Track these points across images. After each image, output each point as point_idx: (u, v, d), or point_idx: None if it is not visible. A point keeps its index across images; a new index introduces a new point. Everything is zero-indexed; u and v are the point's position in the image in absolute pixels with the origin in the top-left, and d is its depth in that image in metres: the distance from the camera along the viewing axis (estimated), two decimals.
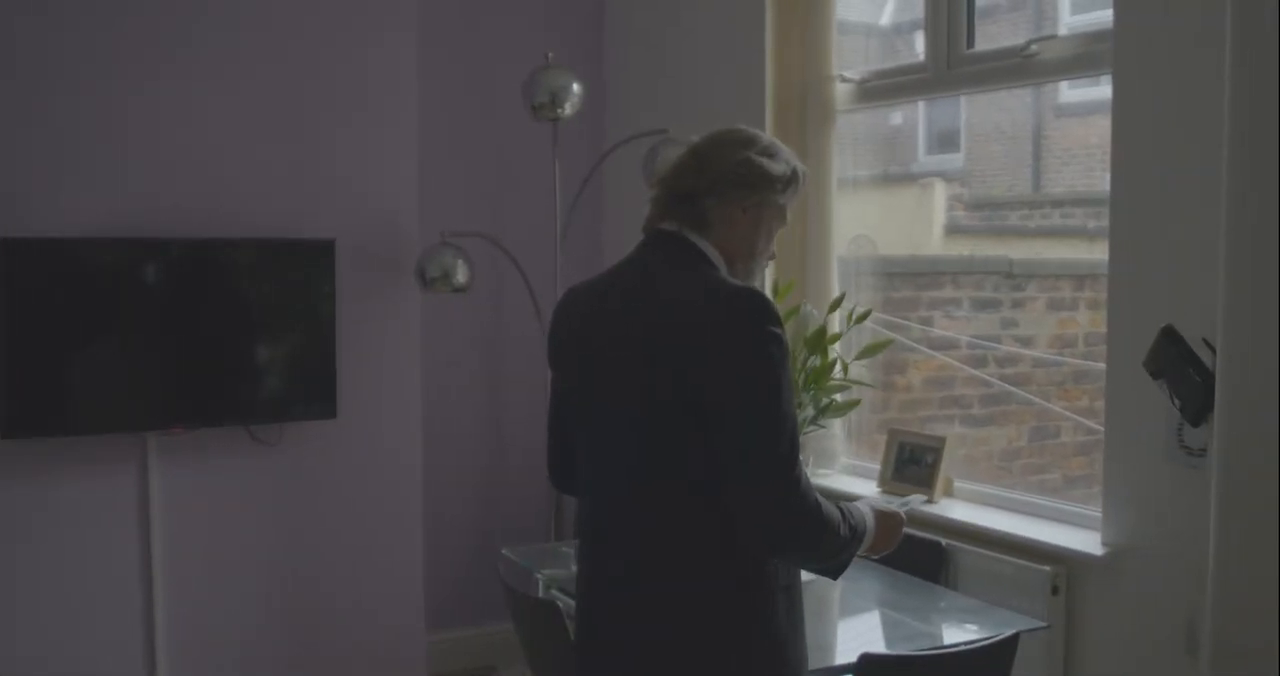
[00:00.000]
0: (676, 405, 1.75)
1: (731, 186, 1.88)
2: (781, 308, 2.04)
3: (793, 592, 1.86)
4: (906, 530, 3.18)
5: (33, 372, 3.18)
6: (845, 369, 3.16)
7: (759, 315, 1.74)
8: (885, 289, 3.74)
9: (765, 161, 1.90)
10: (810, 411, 3.02)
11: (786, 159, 1.94)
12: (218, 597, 3.54)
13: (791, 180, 1.93)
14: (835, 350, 3.27)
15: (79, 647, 3.36)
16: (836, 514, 1.79)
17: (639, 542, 1.85)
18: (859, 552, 1.88)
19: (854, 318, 3.21)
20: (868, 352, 3.30)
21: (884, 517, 1.96)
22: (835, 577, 1.90)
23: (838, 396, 3.16)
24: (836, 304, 3.14)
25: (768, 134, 1.99)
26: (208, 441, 3.48)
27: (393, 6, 3.72)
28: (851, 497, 3.47)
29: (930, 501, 3.30)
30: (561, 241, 3.99)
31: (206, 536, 3.51)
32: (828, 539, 1.78)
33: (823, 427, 3.35)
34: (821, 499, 1.77)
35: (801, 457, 1.76)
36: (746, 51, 3.83)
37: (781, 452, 1.71)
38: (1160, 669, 2.67)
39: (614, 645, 1.89)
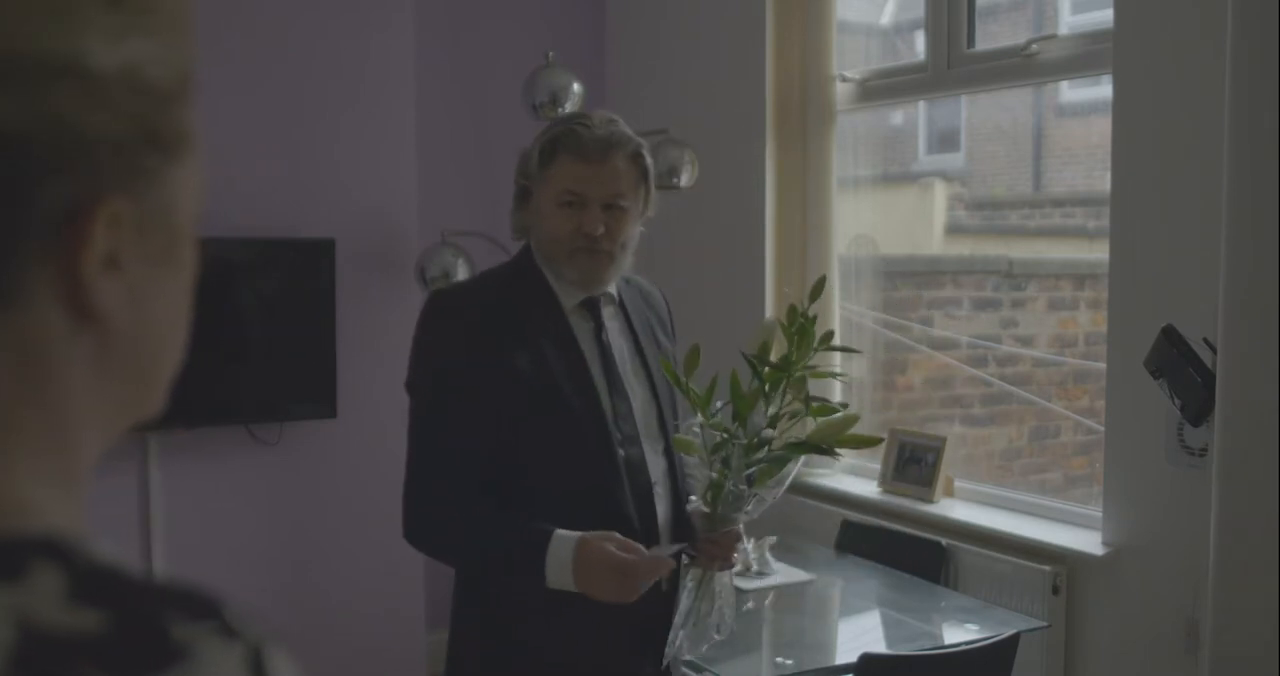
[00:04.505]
0: None
1: (518, 190, 1.96)
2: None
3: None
4: (907, 530, 3.21)
5: None
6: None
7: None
8: (885, 289, 3.74)
9: (521, 152, 1.95)
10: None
11: (541, 135, 1.91)
12: None
13: (544, 151, 1.88)
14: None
15: None
16: (445, 531, 1.86)
17: None
18: (555, 585, 1.77)
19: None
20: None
21: (584, 561, 1.75)
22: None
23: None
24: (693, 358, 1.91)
25: (593, 111, 1.95)
26: (208, 441, 3.48)
27: (390, 5, 3.72)
28: (852, 499, 3.48)
29: (922, 499, 3.30)
30: None
31: (206, 536, 3.51)
32: (424, 546, 1.91)
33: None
34: (435, 511, 1.84)
35: (437, 457, 1.85)
36: (746, 51, 3.83)
37: (408, 447, 1.89)
38: (1160, 669, 2.67)
39: None
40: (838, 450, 1.85)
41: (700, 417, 1.83)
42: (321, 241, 3.53)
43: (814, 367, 1.84)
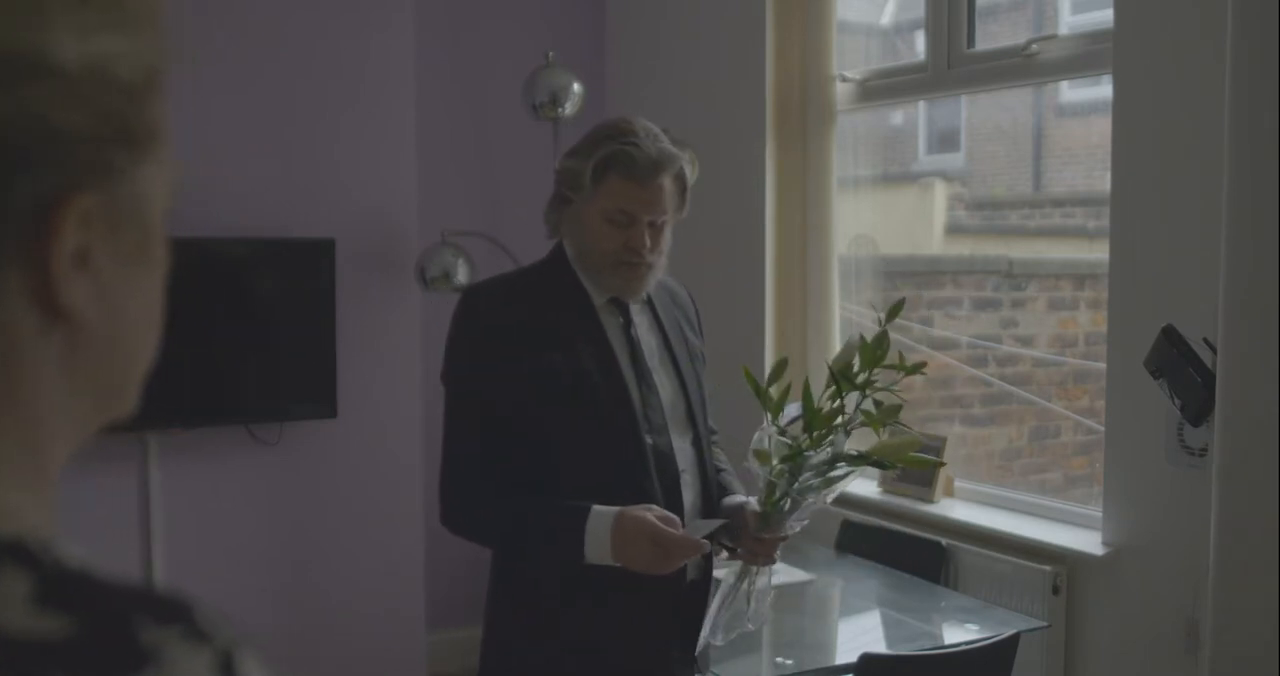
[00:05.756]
0: None
1: (557, 195, 2.00)
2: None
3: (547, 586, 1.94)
4: (907, 530, 3.21)
5: None
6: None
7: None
8: (885, 289, 3.74)
9: (565, 162, 1.96)
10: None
11: (589, 149, 1.92)
12: (217, 597, 3.50)
13: (595, 171, 1.90)
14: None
15: None
16: (482, 513, 1.93)
17: None
18: (593, 559, 1.82)
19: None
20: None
21: (623, 529, 1.80)
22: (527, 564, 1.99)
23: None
24: (780, 369, 2.01)
25: (634, 121, 1.95)
26: (208, 441, 3.48)
27: (390, 5, 3.72)
28: (852, 498, 3.47)
29: (929, 500, 3.30)
30: None
31: (206, 536, 3.51)
32: (461, 529, 1.98)
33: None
34: (472, 495, 1.91)
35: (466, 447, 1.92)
36: (746, 51, 3.83)
37: (443, 437, 1.95)
38: (1160, 669, 2.67)
39: None
40: (895, 463, 1.95)
41: (772, 426, 1.89)
42: (321, 241, 3.53)
43: (883, 388, 1.93)
